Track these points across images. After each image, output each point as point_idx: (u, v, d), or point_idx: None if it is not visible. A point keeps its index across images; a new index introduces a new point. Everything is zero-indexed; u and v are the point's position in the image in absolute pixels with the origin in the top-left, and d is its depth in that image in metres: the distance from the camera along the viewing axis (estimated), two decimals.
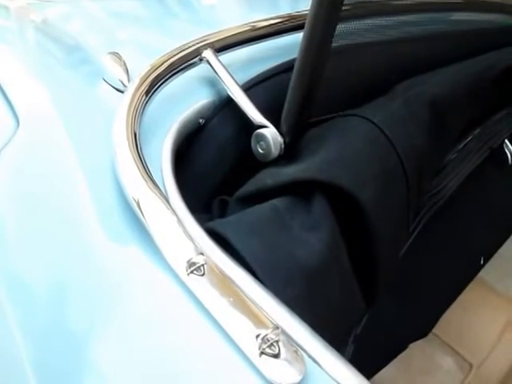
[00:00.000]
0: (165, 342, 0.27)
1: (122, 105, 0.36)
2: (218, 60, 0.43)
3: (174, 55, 0.42)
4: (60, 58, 0.51)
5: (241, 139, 0.41)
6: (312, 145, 0.40)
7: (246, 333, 0.24)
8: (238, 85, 0.41)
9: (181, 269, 0.27)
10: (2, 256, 0.34)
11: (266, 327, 0.24)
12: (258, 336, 0.24)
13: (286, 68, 0.44)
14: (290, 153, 0.40)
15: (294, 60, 0.38)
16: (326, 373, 0.24)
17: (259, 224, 0.33)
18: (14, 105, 0.44)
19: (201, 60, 0.43)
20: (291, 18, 0.49)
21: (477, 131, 0.59)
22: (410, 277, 0.51)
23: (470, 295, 0.65)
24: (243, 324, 0.25)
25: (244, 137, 0.41)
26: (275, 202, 0.35)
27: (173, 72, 0.41)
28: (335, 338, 0.28)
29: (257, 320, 0.25)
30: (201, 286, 0.26)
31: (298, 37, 0.39)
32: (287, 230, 0.33)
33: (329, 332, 0.27)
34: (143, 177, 0.31)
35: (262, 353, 0.23)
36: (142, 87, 0.38)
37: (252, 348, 0.24)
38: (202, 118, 0.42)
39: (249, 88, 0.42)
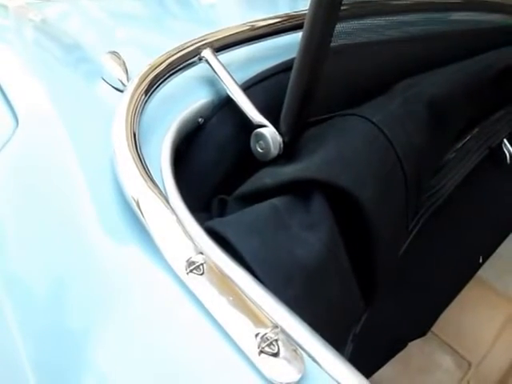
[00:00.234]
0: (164, 341, 0.27)
1: (121, 104, 0.36)
2: (217, 59, 0.43)
3: (173, 54, 0.42)
4: (59, 58, 0.51)
5: (240, 139, 0.41)
6: (311, 144, 0.40)
7: (245, 332, 0.24)
8: (237, 84, 0.41)
9: (180, 268, 0.27)
10: (1, 255, 0.34)
11: (266, 326, 0.24)
12: (257, 335, 0.24)
13: (285, 68, 0.44)
14: (289, 152, 0.40)
15: (293, 60, 0.38)
16: (325, 372, 0.24)
17: (258, 223, 0.33)
18: (13, 104, 0.44)
19: (200, 59, 0.43)
20: (290, 17, 0.49)
21: (475, 131, 0.59)
22: (409, 276, 0.51)
23: (469, 294, 0.65)
24: (242, 323, 0.25)
25: (243, 136, 0.41)
26: (274, 201, 0.35)
27: (172, 71, 0.41)
28: (334, 336, 0.28)
29: (256, 319, 0.25)
30: (200, 285, 0.27)
31: (296, 36, 0.39)
32: (286, 230, 0.33)
33: (328, 331, 0.27)
34: (143, 176, 0.31)
35: (261, 352, 0.24)
36: (142, 86, 0.38)
37: (251, 347, 0.24)
38: (201, 117, 0.42)
39: (248, 87, 0.42)
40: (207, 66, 0.43)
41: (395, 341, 0.51)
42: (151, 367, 0.26)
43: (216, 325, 0.25)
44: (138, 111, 0.36)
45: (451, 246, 0.59)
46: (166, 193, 0.32)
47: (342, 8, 0.36)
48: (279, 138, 0.40)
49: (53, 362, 0.28)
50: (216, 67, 0.42)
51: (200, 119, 0.42)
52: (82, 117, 0.41)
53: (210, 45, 0.43)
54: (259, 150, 0.40)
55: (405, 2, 0.51)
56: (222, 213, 0.38)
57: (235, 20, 0.48)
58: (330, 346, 0.25)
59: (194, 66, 0.43)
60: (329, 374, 0.24)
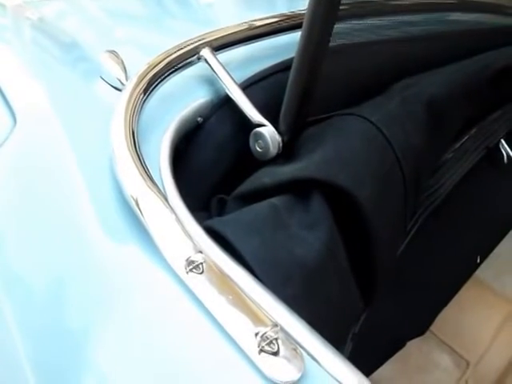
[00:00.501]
0: (164, 340, 0.27)
1: (120, 103, 0.36)
2: (216, 59, 0.42)
3: (172, 54, 0.41)
4: (57, 56, 0.51)
5: (239, 138, 0.41)
6: (310, 144, 0.40)
7: (245, 331, 0.24)
8: (236, 83, 0.41)
9: (180, 267, 0.27)
10: (0, 255, 0.34)
11: (265, 325, 0.24)
12: (257, 334, 0.24)
13: (284, 67, 0.44)
14: (288, 152, 0.40)
15: (291, 59, 0.38)
16: (325, 370, 0.24)
17: (258, 222, 0.33)
18: (11, 103, 0.44)
19: (199, 59, 0.43)
20: (289, 17, 0.49)
21: (473, 131, 0.60)
22: (407, 275, 0.51)
23: (467, 294, 0.65)
24: (242, 322, 0.25)
25: (242, 135, 0.41)
26: (273, 200, 0.35)
27: (171, 70, 0.41)
28: (334, 336, 0.28)
29: (256, 318, 0.25)
30: (200, 284, 0.26)
31: (295, 36, 0.39)
32: (286, 229, 0.33)
33: (327, 330, 0.27)
34: (142, 175, 0.31)
35: (261, 350, 0.23)
36: (140, 85, 0.38)
37: (251, 346, 0.24)
38: (200, 116, 0.42)
39: (247, 87, 0.42)
40: (206, 65, 0.43)
41: (394, 340, 0.51)
42: (151, 366, 0.25)
43: (216, 324, 0.25)
44: (136, 110, 0.36)
45: (449, 246, 0.59)
46: (165, 192, 0.32)
47: (340, 8, 0.36)
48: (278, 138, 0.40)
49: (52, 362, 0.28)
50: (215, 66, 0.42)
51: (199, 118, 0.42)
52: (81, 116, 0.41)
53: (208, 44, 0.43)
54: (258, 149, 0.40)
55: (403, 3, 0.52)
56: (221, 212, 0.37)
57: (234, 19, 0.48)
58: (329, 345, 0.25)
59: (192, 65, 0.43)
60: (329, 373, 0.24)
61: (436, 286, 0.56)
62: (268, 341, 0.24)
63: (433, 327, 0.60)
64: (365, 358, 0.37)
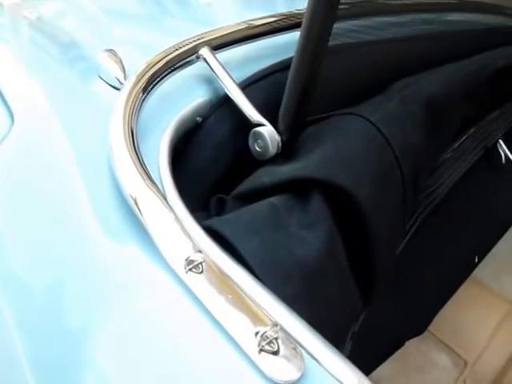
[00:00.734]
0: (163, 339, 0.26)
1: (118, 102, 0.36)
2: (215, 58, 0.42)
3: (171, 53, 0.41)
4: (55, 55, 0.51)
5: (238, 137, 0.41)
6: (309, 143, 0.40)
7: (244, 330, 0.24)
8: (235, 83, 0.41)
9: (179, 266, 0.27)
10: None
11: (265, 324, 0.24)
12: (257, 333, 0.24)
13: (283, 66, 0.44)
14: (287, 151, 0.40)
15: (291, 58, 0.38)
16: (325, 369, 0.24)
17: (257, 222, 0.33)
18: (9, 102, 0.44)
19: (198, 58, 0.43)
20: (288, 16, 0.49)
21: (472, 130, 0.60)
22: (406, 275, 0.51)
23: (465, 293, 0.65)
24: (242, 321, 0.25)
25: (241, 135, 0.41)
26: (273, 200, 0.35)
27: (169, 69, 0.41)
28: (333, 335, 0.28)
29: (255, 317, 0.25)
30: (199, 283, 0.26)
31: (294, 35, 0.39)
32: (285, 228, 0.33)
33: (327, 329, 0.27)
34: (141, 174, 0.31)
35: (261, 350, 0.23)
36: (139, 84, 0.38)
37: (251, 345, 0.24)
38: (199, 116, 0.42)
39: (246, 86, 0.42)
40: (205, 64, 0.43)
41: (393, 339, 0.51)
42: (150, 366, 0.25)
43: (215, 323, 0.25)
44: (135, 109, 0.36)
45: (448, 245, 0.59)
46: (164, 191, 0.32)
47: (340, 7, 0.36)
48: (277, 137, 0.40)
49: (52, 362, 0.28)
50: (214, 66, 0.42)
51: (198, 118, 0.42)
52: (79, 115, 0.41)
53: (207, 43, 0.43)
54: (257, 148, 0.40)
55: (403, 2, 0.52)
56: (220, 212, 0.37)
57: (233, 19, 0.48)
58: (329, 344, 0.25)
59: (191, 64, 0.43)
60: (329, 372, 0.24)
61: (435, 285, 0.56)
62: (268, 340, 0.24)
63: (431, 327, 0.60)
64: (364, 357, 0.37)
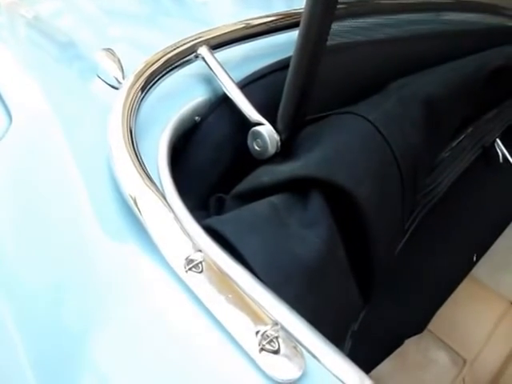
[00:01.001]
0: (163, 339, 0.26)
1: (117, 101, 0.36)
2: (214, 57, 0.42)
3: (170, 52, 0.41)
4: (53, 55, 0.51)
5: (237, 137, 0.41)
6: (308, 142, 0.40)
7: (245, 329, 0.24)
8: (234, 82, 0.41)
9: (179, 266, 0.27)
10: None
11: (266, 323, 0.24)
12: (257, 332, 0.24)
13: (282, 66, 0.44)
14: (286, 150, 0.40)
15: (289, 58, 0.38)
16: (326, 368, 0.24)
17: (257, 221, 0.32)
18: (7, 101, 0.43)
19: (196, 57, 0.43)
20: (286, 15, 0.49)
21: (469, 130, 0.60)
22: (405, 274, 0.51)
23: (463, 291, 0.65)
24: (242, 321, 0.25)
25: (240, 134, 0.41)
26: (273, 199, 0.35)
27: (168, 69, 0.41)
28: (333, 333, 0.28)
29: (256, 316, 0.25)
30: (199, 283, 0.26)
31: (293, 35, 0.39)
32: (285, 227, 0.33)
33: (327, 328, 0.27)
34: (140, 174, 0.31)
35: (261, 349, 0.23)
36: (138, 84, 0.38)
37: (252, 344, 0.24)
38: (197, 115, 0.42)
39: (245, 85, 0.42)
40: (203, 63, 0.43)
41: (393, 337, 0.51)
42: (151, 366, 0.25)
43: (216, 323, 0.25)
44: (134, 108, 0.36)
45: (446, 244, 0.59)
46: (163, 191, 0.32)
47: (338, 7, 0.36)
48: (276, 136, 0.40)
49: (52, 362, 0.28)
50: (212, 65, 0.42)
51: (197, 117, 0.42)
52: (77, 114, 0.41)
53: (206, 42, 0.43)
54: (256, 148, 0.40)
55: (401, 2, 0.52)
56: (219, 211, 0.37)
57: (231, 18, 0.48)
58: (329, 343, 0.25)
59: (190, 63, 0.43)
60: (329, 371, 0.24)
61: (434, 284, 0.56)
62: (268, 339, 0.24)
63: (430, 325, 0.60)
64: (364, 356, 0.37)
